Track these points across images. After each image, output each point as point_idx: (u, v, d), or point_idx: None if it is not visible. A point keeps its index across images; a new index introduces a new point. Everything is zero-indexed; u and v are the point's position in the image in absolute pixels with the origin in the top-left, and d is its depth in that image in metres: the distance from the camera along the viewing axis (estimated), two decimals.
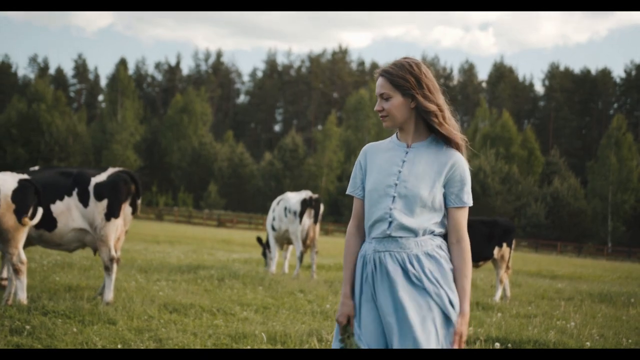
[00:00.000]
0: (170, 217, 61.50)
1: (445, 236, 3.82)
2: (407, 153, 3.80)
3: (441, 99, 3.84)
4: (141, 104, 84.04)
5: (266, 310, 10.10)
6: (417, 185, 3.70)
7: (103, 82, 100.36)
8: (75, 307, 9.01)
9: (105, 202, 10.11)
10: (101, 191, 10.15)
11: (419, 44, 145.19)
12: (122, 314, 8.91)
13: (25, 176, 9.70)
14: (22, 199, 9.32)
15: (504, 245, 13.76)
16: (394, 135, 3.91)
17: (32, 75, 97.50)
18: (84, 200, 10.08)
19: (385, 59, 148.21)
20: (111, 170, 10.54)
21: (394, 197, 3.72)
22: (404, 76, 3.75)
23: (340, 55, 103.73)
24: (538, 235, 66.98)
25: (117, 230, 10.35)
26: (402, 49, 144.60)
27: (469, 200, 3.78)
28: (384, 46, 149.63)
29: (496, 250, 13.65)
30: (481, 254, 13.45)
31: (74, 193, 10.09)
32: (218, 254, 21.46)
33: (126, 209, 10.58)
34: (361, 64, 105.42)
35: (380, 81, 3.80)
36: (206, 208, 71.66)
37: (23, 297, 9.18)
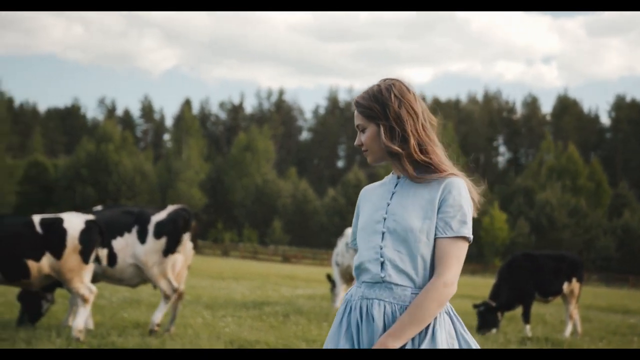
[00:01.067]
0: (236, 253, 61.96)
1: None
2: (396, 185, 3.26)
3: (419, 125, 3.25)
4: (205, 143, 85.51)
5: None
6: (406, 217, 3.12)
7: (168, 122, 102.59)
8: (144, 343, 9.16)
9: (164, 239, 10.48)
10: (160, 229, 10.53)
11: (481, 78, 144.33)
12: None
13: (90, 217, 9.98)
14: (88, 240, 9.57)
15: (574, 280, 13.49)
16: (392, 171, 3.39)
17: (100, 117, 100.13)
18: (142, 238, 10.47)
19: (446, 94, 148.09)
20: (170, 208, 10.94)
21: (383, 233, 3.16)
22: (370, 105, 3.27)
23: None
24: (608, 269, 65.34)
25: (176, 264, 10.68)
26: (464, 83, 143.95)
27: (461, 230, 3.10)
28: (445, 81, 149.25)
29: (565, 285, 13.40)
30: (550, 289, 13.22)
31: (134, 230, 10.50)
32: (282, 290, 21.55)
33: (187, 244, 10.89)
34: (423, 99, 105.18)
35: (355, 113, 3.34)
36: (271, 244, 72.04)
37: (81, 324, 9.33)
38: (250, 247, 66.52)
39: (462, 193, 3.15)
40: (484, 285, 29.42)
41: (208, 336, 10.20)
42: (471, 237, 3.14)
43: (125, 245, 10.49)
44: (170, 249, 10.54)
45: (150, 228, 10.56)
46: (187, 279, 23.85)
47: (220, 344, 9.64)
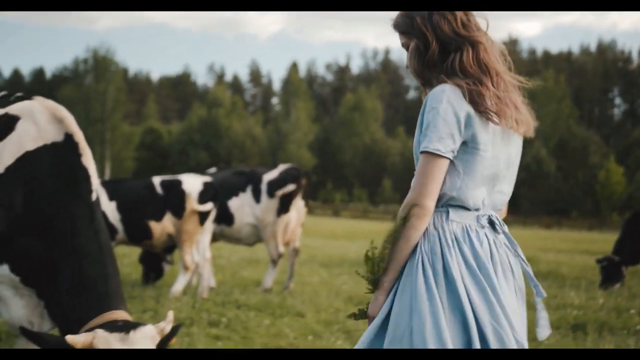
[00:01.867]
0: (347, 213, 62.32)
1: (459, 207, 3.03)
2: None
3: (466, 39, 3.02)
4: (313, 105, 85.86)
5: None
6: (414, 140, 3.12)
7: (276, 86, 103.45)
8: (265, 301, 9.37)
9: (277, 198, 10.69)
10: (273, 188, 10.73)
11: (594, 29, 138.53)
12: (310, 307, 9.17)
13: (207, 178, 10.27)
14: (206, 201, 9.85)
15: None
16: None
17: (210, 83, 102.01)
18: (256, 197, 10.72)
19: (558, 47, 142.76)
20: (281, 168, 11.16)
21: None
22: (406, 15, 3.14)
23: (510, 46, 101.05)
24: None
25: (289, 224, 10.86)
26: (576, 35, 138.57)
27: (425, 144, 2.97)
28: (556, 33, 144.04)
29: None
30: None
31: (248, 190, 10.76)
32: None
33: (298, 203, 11.07)
34: (532, 52, 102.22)
35: None
36: (381, 203, 72.06)
37: (178, 289, 9.68)
38: (360, 207, 66.72)
39: (433, 103, 2.95)
40: (602, 240, 28.57)
41: (327, 293, 10.34)
42: (435, 150, 2.94)
43: (241, 204, 10.80)
44: (283, 207, 10.75)
45: (263, 187, 10.82)
46: (301, 239, 24.21)
47: (339, 301, 9.76)
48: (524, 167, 58.25)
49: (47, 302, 4.02)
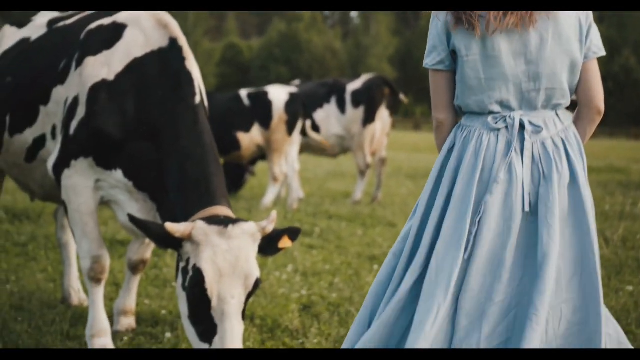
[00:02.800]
0: (428, 127, 61.78)
1: (470, 113, 3.01)
2: None
3: None
4: (393, 18, 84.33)
5: None
6: None
7: None
8: (356, 212, 9.45)
9: (361, 108, 10.65)
10: (357, 98, 10.68)
11: None
12: (400, 217, 9.20)
13: (293, 89, 10.31)
14: (292, 111, 9.90)
15: None
16: None
17: None
18: (341, 107, 10.70)
19: None
20: (365, 77, 11.08)
21: None
22: None
23: None
24: None
25: (375, 134, 10.83)
26: None
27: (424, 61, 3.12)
28: None
29: None
30: None
31: (332, 101, 10.74)
32: None
33: (383, 112, 11.00)
34: None
35: None
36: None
37: (269, 201, 9.90)
38: None
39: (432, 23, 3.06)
40: None
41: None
42: (425, 65, 3.06)
43: (326, 116, 10.83)
44: (368, 118, 10.74)
45: (348, 97, 10.80)
46: (386, 152, 24.16)
47: None
48: (612, 76, 56.16)
49: (159, 205, 4.14)
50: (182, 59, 4.20)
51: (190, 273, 3.65)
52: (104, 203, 4.35)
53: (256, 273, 3.72)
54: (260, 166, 13.36)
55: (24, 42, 4.79)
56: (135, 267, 4.69)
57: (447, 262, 2.82)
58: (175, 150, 4.04)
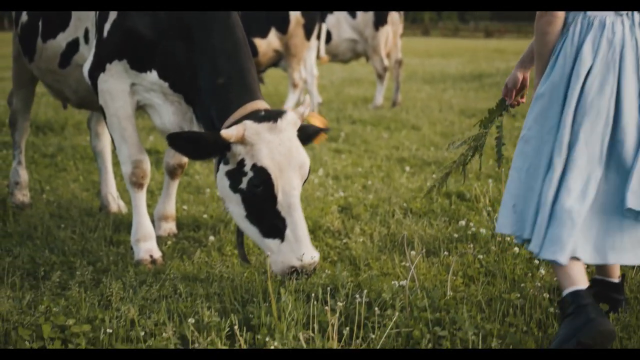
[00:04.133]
0: (436, 32, 60.92)
1: None
2: None
3: None
4: None
5: None
6: None
7: None
8: (379, 116, 9.39)
9: (371, 11, 10.53)
10: None
11: None
12: (424, 120, 9.13)
13: None
14: (310, 14, 9.71)
15: None
16: None
17: None
18: (351, 12, 10.55)
19: None
20: None
21: None
22: None
23: None
24: None
25: (388, 36, 10.69)
26: None
27: None
28: None
29: None
30: None
31: None
32: (495, 63, 21.04)
33: (393, 14, 10.88)
34: None
35: None
36: (471, 20, 70.00)
37: (289, 107, 9.79)
38: (450, 25, 65.08)
39: None
40: None
41: (438, 107, 10.26)
42: None
43: (337, 21, 10.69)
44: (380, 20, 10.59)
45: None
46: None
47: (452, 113, 9.69)
48: None
49: (194, 106, 4.08)
50: None
51: (251, 173, 3.62)
52: (140, 107, 4.28)
53: (307, 160, 3.75)
54: (273, 73, 13.22)
55: None
56: (172, 172, 4.66)
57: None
58: (208, 48, 3.94)
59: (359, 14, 10.61)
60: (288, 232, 3.62)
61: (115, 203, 5.22)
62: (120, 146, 4.20)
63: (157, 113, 4.17)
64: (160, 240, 4.50)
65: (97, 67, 4.13)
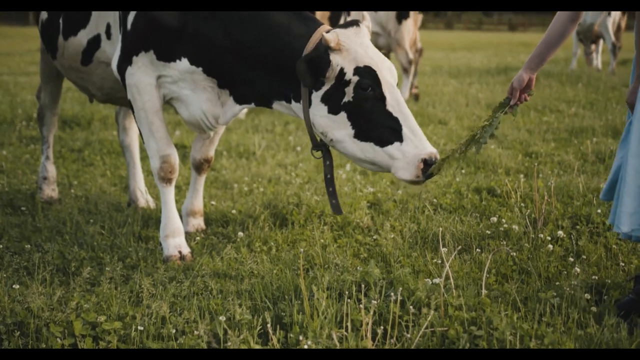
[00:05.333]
0: (460, 25, 60.59)
1: None
2: None
3: None
4: None
5: (593, 106, 9.68)
6: None
7: None
8: None
9: None
10: None
11: None
12: (451, 115, 9.04)
13: None
14: None
15: None
16: None
17: None
18: None
19: None
20: None
21: None
22: None
23: None
24: None
25: (410, 29, 10.58)
26: None
27: None
28: None
29: None
30: None
31: None
32: (521, 57, 20.86)
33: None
34: None
35: None
36: (495, 14, 69.49)
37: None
38: (474, 18, 64.58)
39: None
40: None
41: (466, 101, 10.17)
42: None
43: (357, 13, 10.56)
44: (402, 13, 10.48)
45: None
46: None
47: (479, 108, 9.59)
48: None
49: (232, 88, 3.98)
50: None
51: (356, 77, 3.57)
52: (166, 102, 4.23)
53: (391, 63, 3.73)
54: None
55: None
56: (199, 167, 4.62)
57: None
58: (244, 16, 3.82)
59: None
60: (405, 130, 3.57)
61: (144, 198, 5.20)
62: (148, 140, 4.17)
63: (184, 105, 4.10)
64: (189, 236, 4.48)
65: (124, 61, 4.08)
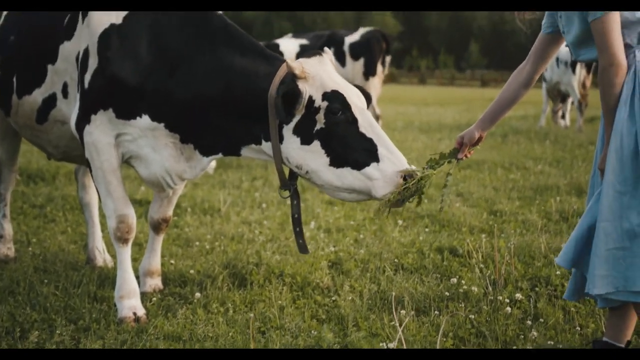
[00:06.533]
0: (433, 81, 61.40)
1: None
2: None
3: None
4: None
5: (560, 164, 9.78)
6: None
7: None
8: None
9: (361, 61, 10.50)
10: (356, 50, 10.53)
11: None
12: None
13: (304, 41, 10.19)
14: None
15: None
16: None
17: None
18: (340, 60, 10.53)
19: None
20: (363, 30, 10.92)
21: None
22: None
23: None
24: None
25: (377, 88, 10.71)
26: None
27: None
28: None
29: None
30: None
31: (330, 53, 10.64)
32: None
33: (378, 67, 10.93)
34: None
35: None
36: (468, 69, 70.60)
37: None
38: (447, 74, 65.57)
39: None
40: None
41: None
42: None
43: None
44: (369, 71, 10.59)
45: (346, 50, 10.64)
46: (393, 106, 23.98)
47: (447, 164, 9.63)
48: None
49: (199, 138, 3.94)
50: None
51: (325, 103, 3.58)
52: (125, 162, 4.18)
53: (357, 89, 3.77)
54: None
55: None
56: (157, 227, 4.57)
57: None
58: (214, 58, 3.83)
59: (348, 63, 10.62)
60: (380, 149, 3.56)
61: (102, 257, 5.13)
62: (105, 200, 4.12)
63: (144, 164, 4.05)
64: (145, 297, 4.40)
65: (83, 119, 4.04)
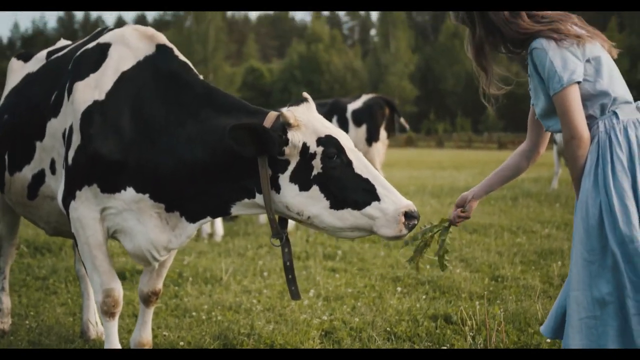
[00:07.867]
0: (451, 144, 61.53)
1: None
2: None
3: None
4: (412, 34, 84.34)
5: (567, 227, 9.73)
6: None
7: (374, 17, 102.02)
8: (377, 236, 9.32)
9: (364, 127, 10.60)
10: (358, 117, 10.64)
11: None
12: None
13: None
14: None
15: None
16: None
17: (308, 19, 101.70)
18: (343, 127, 10.63)
19: None
20: (365, 97, 11.04)
21: None
22: None
23: None
24: None
25: (380, 153, 10.77)
26: None
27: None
28: None
29: None
30: None
31: (333, 120, 10.71)
32: None
33: (382, 133, 11.01)
34: None
35: None
36: (485, 131, 70.75)
37: (291, 225, 9.77)
38: (464, 136, 65.68)
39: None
40: None
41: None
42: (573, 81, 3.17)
43: None
44: (372, 137, 10.68)
45: (349, 116, 10.78)
46: (409, 170, 24.06)
47: (453, 229, 9.59)
48: (635, 85, 55.93)
49: (185, 205, 3.97)
50: (174, 57, 4.11)
51: (320, 148, 3.68)
52: (111, 236, 4.21)
53: (345, 134, 3.88)
54: None
55: (27, 77, 4.75)
56: (147, 299, 4.59)
57: None
58: (196, 128, 3.89)
59: (351, 130, 10.73)
60: (378, 188, 3.63)
61: (95, 330, 5.15)
62: (92, 274, 4.17)
63: (129, 237, 4.09)
64: None
65: (68, 195, 4.10)
